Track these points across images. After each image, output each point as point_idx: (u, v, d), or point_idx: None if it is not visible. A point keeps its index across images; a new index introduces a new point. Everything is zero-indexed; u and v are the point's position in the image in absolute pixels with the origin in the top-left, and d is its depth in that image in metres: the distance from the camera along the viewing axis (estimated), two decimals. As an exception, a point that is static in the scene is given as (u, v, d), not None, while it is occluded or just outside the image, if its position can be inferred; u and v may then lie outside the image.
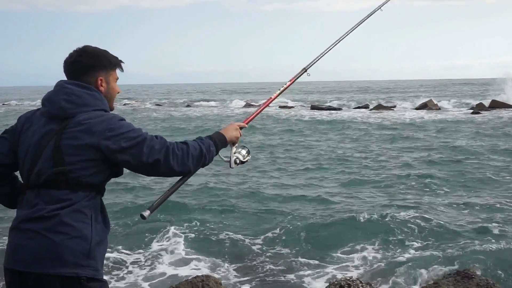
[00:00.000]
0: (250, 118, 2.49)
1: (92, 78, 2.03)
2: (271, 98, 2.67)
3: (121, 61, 2.14)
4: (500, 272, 5.47)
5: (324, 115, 28.52)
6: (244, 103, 39.65)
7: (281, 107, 33.30)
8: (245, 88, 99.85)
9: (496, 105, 30.09)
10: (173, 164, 1.95)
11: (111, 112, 2.06)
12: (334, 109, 33.04)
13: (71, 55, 2.06)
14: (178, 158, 1.96)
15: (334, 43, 3.02)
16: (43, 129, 1.94)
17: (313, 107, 33.92)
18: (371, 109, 32.18)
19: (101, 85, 2.05)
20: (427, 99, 35.57)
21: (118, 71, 2.13)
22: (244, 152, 2.22)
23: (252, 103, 38.36)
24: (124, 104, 41.80)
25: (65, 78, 2.07)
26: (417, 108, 32.21)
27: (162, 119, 27.76)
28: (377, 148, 15.10)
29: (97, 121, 1.90)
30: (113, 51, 2.15)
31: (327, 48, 2.96)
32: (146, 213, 2.03)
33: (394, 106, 34.33)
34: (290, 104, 35.97)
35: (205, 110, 34.90)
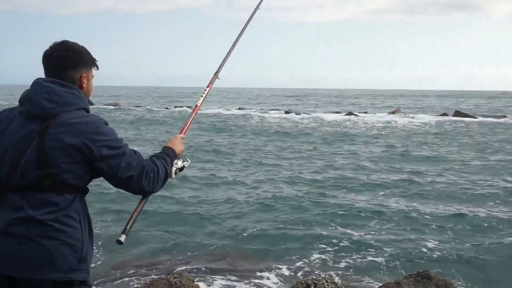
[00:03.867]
0: (185, 128, 2.50)
1: (77, 74, 1.96)
2: (197, 105, 2.69)
3: (96, 60, 2.08)
4: (454, 271, 5.64)
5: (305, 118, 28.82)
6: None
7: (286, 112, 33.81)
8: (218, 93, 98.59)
9: (459, 115, 31.28)
10: (144, 184, 1.93)
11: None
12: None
13: (55, 49, 1.94)
14: (150, 179, 1.94)
15: (232, 46, 3.06)
16: (24, 130, 1.84)
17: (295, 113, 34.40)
18: (344, 114, 33.51)
19: (83, 82, 1.99)
20: (395, 108, 36.80)
21: (94, 70, 2.07)
22: (180, 162, 2.23)
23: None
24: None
25: (43, 74, 1.97)
26: (388, 113, 33.42)
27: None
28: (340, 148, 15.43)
29: (82, 122, 1.84)
30: (93, 55, 2.07)
31: (228, 52, 3.01)
32: (122, 238, 1.99)
33: (366, 112, 35.45)
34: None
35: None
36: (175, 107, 39.94)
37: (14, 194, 1.80)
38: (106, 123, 1.92)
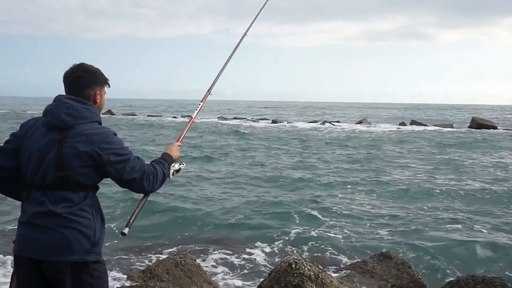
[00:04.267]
0: (181, 137, 2.50)
1: (92, 91, 2.01)
2: (192, 117, 2.69)
3: (108, 79, 2.13)
4: (413, 254, 5.79)
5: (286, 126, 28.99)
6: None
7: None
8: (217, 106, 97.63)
9: (415, 123, 31.95)
10: (145, 185, 1.99)
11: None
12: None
13: (74, 70, 2.00)
14: (150, 181, 2.00)
15: (223, 66, 3.02)
16: (46, 138, 1.90)
17: (274, 121, 34.45)
18: (320, 123, 33.74)
19: (97, 98, 2.04)
20: (362, 118, 37.33)
21: (106, 87, 2.12)
22: (176, 165, 2.28)
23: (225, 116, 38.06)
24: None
25: (63, 91, 2.03)
26: (356, 123, 33.68)
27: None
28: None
29: (95, 133, 1.90)
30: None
31: (220, 72, 2.98)
32: (126, 230, 2.02)
33: (338, 121, 35.72)
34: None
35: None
36: (181, 116, 39.90)
37: (37, 191, 1.88)
38: (115, 134, 1.97)
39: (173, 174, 2.22)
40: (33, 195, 1.89)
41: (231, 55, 3.11)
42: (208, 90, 2.86)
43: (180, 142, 2.44)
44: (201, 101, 2.78)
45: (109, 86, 2.12)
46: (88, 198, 1.92)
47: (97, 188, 2.01)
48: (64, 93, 2.02)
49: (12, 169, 1.97)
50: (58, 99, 1.96)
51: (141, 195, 2.14)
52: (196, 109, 2.72)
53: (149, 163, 2.10)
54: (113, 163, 1.89)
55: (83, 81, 1.99)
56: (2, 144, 2.02)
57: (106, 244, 5.89)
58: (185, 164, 2.34)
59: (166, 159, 2.19)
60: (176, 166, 2.27)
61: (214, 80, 2.92)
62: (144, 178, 1.97)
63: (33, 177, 1.89)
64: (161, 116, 39.95)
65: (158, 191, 2.21)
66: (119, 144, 1.94)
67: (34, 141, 1.92)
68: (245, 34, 3.36)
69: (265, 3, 3.57)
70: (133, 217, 2.08)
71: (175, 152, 2.28)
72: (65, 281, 1.88)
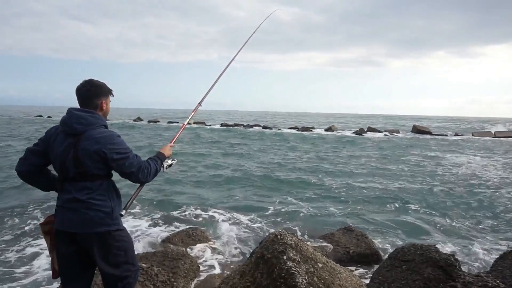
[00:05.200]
0: (174, 139, 2.41)
1: (99, 101, 1.99)
2: (184, 124, 2.61)
3: (112, 90, 2.08)
4: (368, 227, 5.78)
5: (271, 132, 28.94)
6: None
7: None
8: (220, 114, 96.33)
9: (371, 129, 31.97)
10: (140, 177, 1.96)
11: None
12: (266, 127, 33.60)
13: (84, 85, 1.98)
14: (144, 173, 1.98)
15: (215, 82, 2.87)
16: (65, 142, 1.92)
17: (264, 126, 34.18)
18: (298, 129, 33.17)
19: (103, 106, 2.01)
20: (331, 124, 37.12)
21: (111, 96, 2.07)
22: (169, 161, 2.22)
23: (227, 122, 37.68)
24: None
25: (77, 102, 2.00)
26: (325, 130, 33.45)
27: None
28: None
29: (102, 136, 1.90)
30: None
31: (211, 87, 2.83)
32: (123, 212, 2.02)
33: (313, 128, 35.44)
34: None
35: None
36: (194, 123, 39.32)
37: (66, 183, 1.93)
38: (119, 136, 1.96)
39: (166, 168, 2.18)
40: (63, 186, 1.94)
41: (220, 75, 2.96)
42: (199, 103, 2.76)
43: (173, 143, 2.36)
44: (192, 111, 2.68)
45: (113, 95, 2.07)
46: (103, 184, 1.93)
47: (111, 175, 2.00)
48: (75, 105, 1.99)
49: (40, 165, 1.99)
50: (69, 111, 1.95)
51: (138, 184, 2.10)
52: (188, 118, 2.62)
53: (145, 159, 2.07)
54: (116, 159, 1.90)
55: (91, 93, 1.98)
56: (32, 146, 2.01)
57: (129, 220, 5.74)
58: (176, 160, 2.28)
59: (160, 157, 2.15)
60: (169, 161, 2.23)
61: (204, 95, 2.80)
62: (140, 171, 1.96)
63: (61, 172, 1.93)
64: (178, 122, 39.51)
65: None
66: (121, 144, 1.93)
67: (57, 145, 1.94)
68: (232, 59, 3.23)
69: (250, 36, 3.50)
70: (129, 203, 2.06)
71: (167, 151, 2.23)
72: (94, 247, 1.92)
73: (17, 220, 5.62)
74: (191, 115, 2.66)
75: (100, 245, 1.92)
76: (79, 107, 1.99)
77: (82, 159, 1.87)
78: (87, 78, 2.02)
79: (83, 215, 1.89)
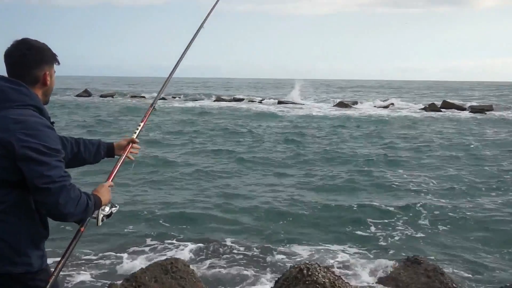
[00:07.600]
0: (113, 174, 2.25)
1: (41, 72, 1.90)
2: (128, 147, 2.40)
3: (56, 55, 2.01)
4: (445, 258, 5.68)
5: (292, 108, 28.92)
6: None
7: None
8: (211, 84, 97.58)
9: (446, 105, 31.11)
10: (60, 201, 1.74)
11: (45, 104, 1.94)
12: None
13: (17, 48, 1.88)
14: (68, 200, 1.77)
15: (173, 69, 2.85)
16: None
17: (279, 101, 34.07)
18: (333, 106, 32.93)
19: (47, 79, 1.93)
20: (385, 99, 36.30)
21: (56, 65, 2.00)
22: (107, 208, 2.09)
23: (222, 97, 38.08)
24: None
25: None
26: (376, 106, 32.83)
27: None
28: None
29: (16, 119, 1.76)
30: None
31: (168, 78, 2.82)
32: (106, 210, 2.07)
33: (356, 103, 34.81)
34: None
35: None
36: (172, 97, 39.77)
37: None
38: (50, 128, 1.82)
39: (102, 220, 2.04)
40: None
41: (185, 50, 2.91)
42: (151, 106, 2.67)
43: (111, 181, 2.20)
44: (141, 122, 2.53)
45: (59, 63, 1.99)
46: (11, 196, 1.77)
47: (27, 187, 1.79)
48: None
49: None
50: None
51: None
52: (136, 132, 2.46)
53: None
54: (26, 159, 1.71)
55: (29, 60, 1.88)
56: None
57: (78, 246, 5.81)
58: (118, 207, 2.15)
59: (95, 201, 1.96)
60: (107, 209, 2.08)
61: (158, 93, 2.76)
62: (61, 192, 1.74)
63: None
64: (144, 97, 39.15)
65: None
66: (43, 139, 1.76)
67: None
68: (201, 26, 3.10)
69: None
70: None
71: (105, 195, 2.05)
72: None
73: None
74: (140, 126, 2.50)
75: None
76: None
77: None
78: (18, 38, 1.91)
79: None
